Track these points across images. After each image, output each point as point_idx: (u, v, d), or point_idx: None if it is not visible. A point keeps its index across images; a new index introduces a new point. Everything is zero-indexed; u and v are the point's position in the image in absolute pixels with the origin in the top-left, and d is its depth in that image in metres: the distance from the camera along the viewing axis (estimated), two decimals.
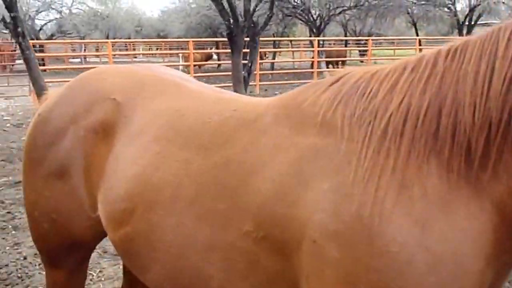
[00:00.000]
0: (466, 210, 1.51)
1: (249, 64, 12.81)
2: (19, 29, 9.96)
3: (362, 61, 34.69)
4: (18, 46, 11.29)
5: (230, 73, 13.60)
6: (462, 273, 1.51)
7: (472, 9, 30.14)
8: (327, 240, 1.57)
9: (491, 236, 1.51)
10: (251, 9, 12.37)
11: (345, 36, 37.18)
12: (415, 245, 1.49)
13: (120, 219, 2.06)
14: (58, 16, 40.18)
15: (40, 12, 37.69)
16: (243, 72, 12.43)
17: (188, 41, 20.05)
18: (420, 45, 27.29)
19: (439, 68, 1.60)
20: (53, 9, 38.73)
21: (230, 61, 13.33)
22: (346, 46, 35.01)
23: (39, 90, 9.61)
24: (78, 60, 38.25)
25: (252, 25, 12.45)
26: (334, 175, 1.61)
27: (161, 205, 1.96)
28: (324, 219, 1.58)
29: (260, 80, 20.04)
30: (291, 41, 37.96)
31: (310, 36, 31.60)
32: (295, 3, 29.50)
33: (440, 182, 1.52)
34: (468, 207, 1.51)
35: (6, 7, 9.93)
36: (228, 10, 11.92)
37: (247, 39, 12.90)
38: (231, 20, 12.00)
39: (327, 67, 26.27)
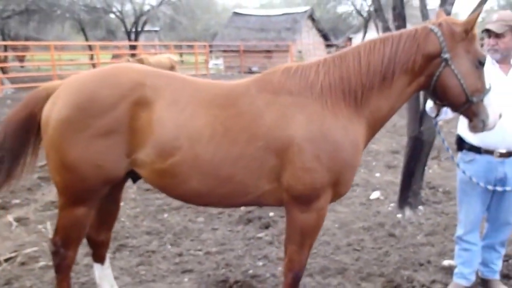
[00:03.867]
0: (357, 122, 3.30)
1: None
2: None
3: (22, 66, 33.16)
4: None
5: None
6: (359, 149, 3.33)
7: (138, 17, 32.65)
8: (305, 142, 3.16)
9: (365, 133, 3.36)
10: None
11: (3, 40, 34.13)
12: (344, 137, 3.23)
13: (170, 153, 3.19)
14: None
15: None
16: None
17: None
18: (91, 49, 28.30)
19: (336, 62, 3.32)
20: None
21: None
22: (6, 51, 32.08)
23: None
24: None
25: None
26: (304, 112, 3.20)
27: (203, 140, 3.18)
28: (303, 133, 3.16)
29: None
30: None
31: None
32: None
33: (347, 111, 3.27)
34: (357, 121, 3.30)
35: None
36: None
37: None
38: None
39: None
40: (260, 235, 5.80)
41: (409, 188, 6.56)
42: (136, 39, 33.85)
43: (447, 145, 4.08)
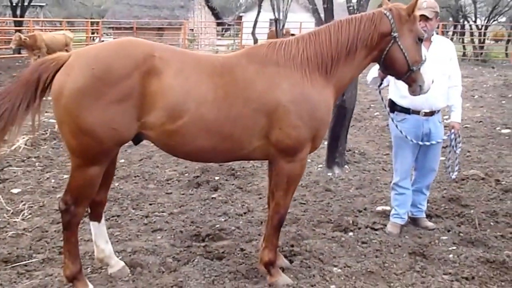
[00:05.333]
0: (328, 88, 4.00)
1: None
2: None
3: None
4: None
5: None
6: (330, 107, 4.06)
7: None
8: (290, 103, 3.80)
9: (333, 96, 4.04)
10: None
11: None
12: (319, 100, 3.91)
13: (179, 115, 3.66)
14: None
15: None
16: None
17: None
18: None
19: (312, 38, 3.98)
20: None
21: None
22: None
23: None
24: None
25: None
26: (287, 80, 3.84)
27: (207, 103, 3.70)
28: (288, 96, 3.80)
29: None
30: None
31: None
32: None
33: (320, 79, 3.95)
34: (328, 87, 4.00)
35: None
36: None
37: None
38: None
39: None
40: (213, 196, 6.40)
41: (336, 150, 7.44)
42: (22, 15, 32.03)
43: (387, 107, 4.96)
